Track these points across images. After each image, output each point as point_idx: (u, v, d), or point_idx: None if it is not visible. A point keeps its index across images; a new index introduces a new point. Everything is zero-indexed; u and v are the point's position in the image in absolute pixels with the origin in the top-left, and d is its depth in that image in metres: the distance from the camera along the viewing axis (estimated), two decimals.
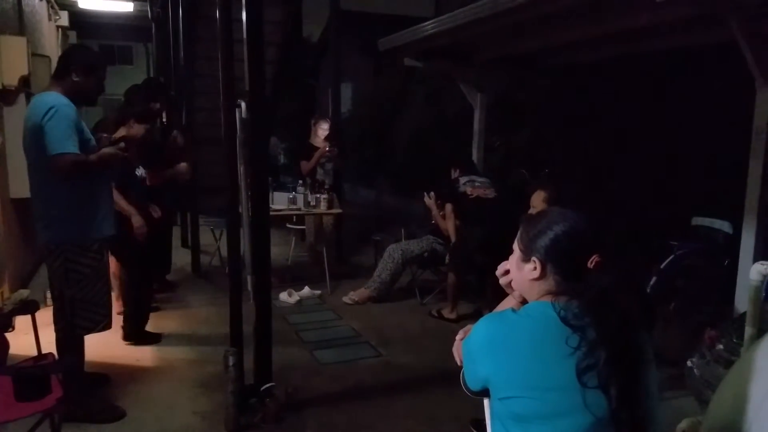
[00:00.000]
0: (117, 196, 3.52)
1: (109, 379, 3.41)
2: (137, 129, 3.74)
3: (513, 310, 1.42)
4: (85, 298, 2.89)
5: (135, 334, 3.96)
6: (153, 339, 4.05)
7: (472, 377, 1.43)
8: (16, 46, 4.73)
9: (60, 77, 2.87)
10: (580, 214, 1.43)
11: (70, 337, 2.90)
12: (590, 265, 1.34)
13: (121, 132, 3.56)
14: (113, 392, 3.29)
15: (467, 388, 1.55)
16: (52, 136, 2.67)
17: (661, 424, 1.35)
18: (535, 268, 1.39)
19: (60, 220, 2.83)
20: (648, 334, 1.37)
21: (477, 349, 1.40)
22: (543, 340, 1.31)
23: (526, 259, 1.42)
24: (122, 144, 3.08)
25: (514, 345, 1.33)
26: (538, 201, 3.60)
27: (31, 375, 2.03)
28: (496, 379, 1.35)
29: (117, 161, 3.03)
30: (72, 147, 2.71)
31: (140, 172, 3.93)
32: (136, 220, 3.76)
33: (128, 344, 3.93)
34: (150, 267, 4.16)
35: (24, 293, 2.75)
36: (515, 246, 1.48)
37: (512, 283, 1.51)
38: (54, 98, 2.75)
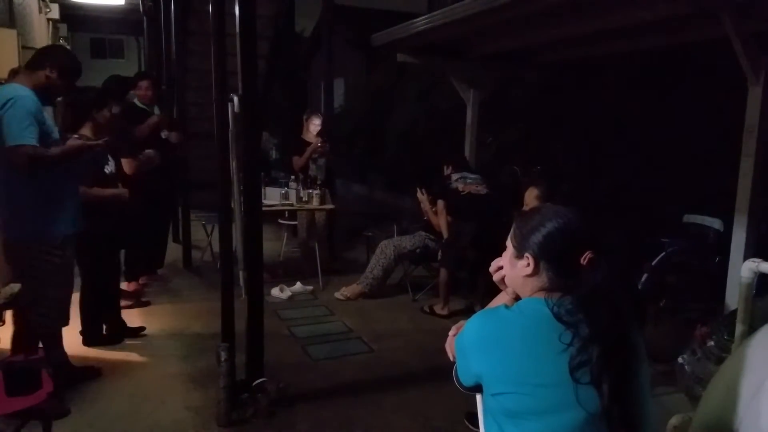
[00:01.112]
0: (86, 190, 3.35)
1: (100, 373, 3.39)
2: (102, 116, 3.61)
3: (506, 306, 1.42)
4: (44, 295, 2.87)
5: (95, 340, 3.80)
6: (113, 340, 3.87)
7: (465, 373, 1.43)
8: (7, 39, 4.70)
9: (33, 69, 2.85)
10: (574, 210, 1.44)
11: (28, 334, 2.88)
12: (583, 261, 1.34)
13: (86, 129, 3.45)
14: (105, 387, 3.27)
15: (460, 384, 1.55)
16: (9, 128, 2.64)
17: (653, 419, 1.36)
18: (528, 265, 1.40)
19: (21, 217, 2.80)
20: (639, 331, 1.38)
21: (470, 345, 1.41)
22: (536, 336, 1.32)
23: (519, 255, 1.43)
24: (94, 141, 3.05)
25: (506, 341, 1.34)
26: (531, 198, 3.62)
27: (21, 369, 2.01)
28: (488, 375, 1.35)
29: (84, 153, 2.99)
30: (29, 138, 2.67)
31: (109, 168, 3.70)
32: (115, 192, 3.56)
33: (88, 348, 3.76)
34: (111, 274, 3.93)
35: (15, 287, 2.72)
36: (508, 242, 1.48)
37: (505, 280, 1.51)
38: (15, 90, 2.72)
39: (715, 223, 4.18)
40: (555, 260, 1.38)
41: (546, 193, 3.52)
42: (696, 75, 5.18)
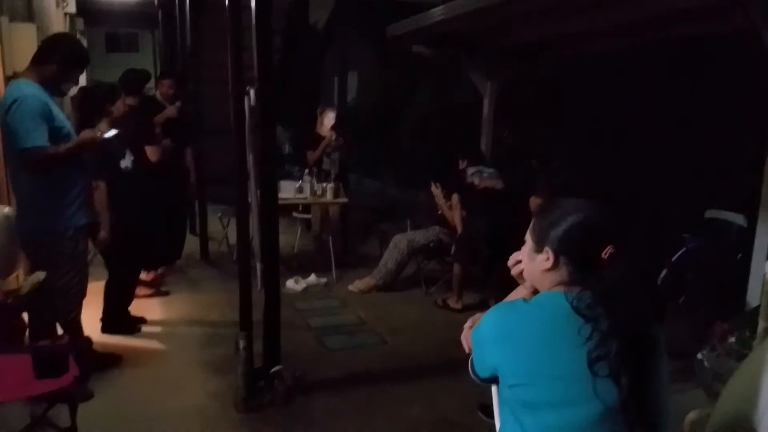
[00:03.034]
0: (102, 196, 3.38)
1: (121, 360, 3.45)
2: (117, 108, 3.64)
3: (524, 299, 1.42)
4: (57, 286, 2.88)
5: (113, 326, 3.86)
6: (131, 330, 3.94)
7: (481, 365, 1.44)
8: (26, 33, 4.72)
9: (40, 63, 2.80)
10: (595, 203, 1.42)
11: (41, 324, 2.90)
12: (604, 256, 1.33)
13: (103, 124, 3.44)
14: (126, 373, 3.34)
15: (475, 376, 1.56)
16: (18, 131, 2.63)
17: (670, 414, 1.36)
18: (547, 259, 1.39)
19: (32, 209, 2.82)
20: (659, 326, 1.38)
21: (487, 337, 1.41)
22: (554, 329, 1.32)
23: (538, 249, 1.42)
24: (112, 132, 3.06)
25: (524, 334, 1.34)
26: (534, 207, 3.59)
27: (49, 353, 2.06)
28: (505, 368, 1.36)
29: (97, 145, 2.99)
30: (38, 140, 2.65)
31: (125, 163, 3.71)
32: (103, 235, 3.39)
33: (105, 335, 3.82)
34: (134, 266, 4.01)
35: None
36: (528, 236, 1.47)
37: (524, 274, 1.51)
38: (19, 89, 2.68)
39: (739, 219, 4.11)
40: (575, 255, 1.37)
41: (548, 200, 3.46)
42: (721, 67, 5.09)
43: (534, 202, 3.60)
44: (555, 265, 1.38)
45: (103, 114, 3.45)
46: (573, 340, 1.28)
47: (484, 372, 1.44)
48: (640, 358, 1.28)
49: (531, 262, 1.45)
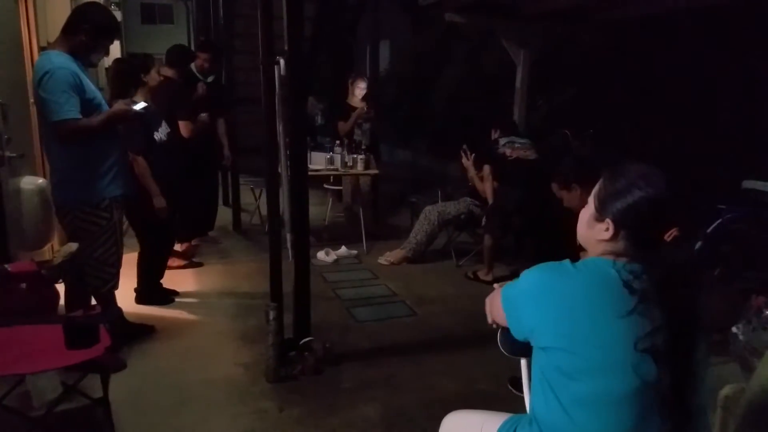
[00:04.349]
0: (143, 168, 3.47)
1: (153, 330, 3.53)
2: (152, 78, 3.68)
3: (570, 261, 1.35)
4: (93, 257, 2.94)
5: (147, 297, 3.92)
6: (164, 301, 4.00)
7: (517, 325, 1.40)
8: (61, 3, 4.79)
9: (69, 33, 2.78)
10: (664, 176, 1.33)
11: (78, 295, 2.95)
12: (668, 238, 1.28)
13: (139, 94, 3.49)
14: (158, 343, 3.42)
15: (505, 348, 1.55)
16: (49, 104, 2.65)
17: (706, 394, 1.33)
18: (607, 229, 1.33)
19: (67, 180, 2.86)
20: (704, 310, 1.32)
21: (526, 295, 1.37)
22: (598, 296, 1.27)
23: (599, 218, 1.35)
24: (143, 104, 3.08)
25: (567, 295, 1.29)
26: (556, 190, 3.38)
27: (80, 324, 2.11)
28: (543, 327, 1.32)
29: (128, 119, 2.99)
30: (70, 112, 2.67)
31: (159, 135, 3.72)
32: (158, 202, 3.55)
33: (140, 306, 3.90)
34: (167, 238, 4.05)
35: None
36: (590, 200, 1.40)
37: (578, 237, 1.45)
38: (50, 61, 2.68)
39: None
40: (637, 231, 1.31)
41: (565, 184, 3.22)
42: (762, 32, 4.85)
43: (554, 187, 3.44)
44: (614, 237, 1.32)
45: (139, 84, 3.49)
46: (616, 310, 1.24)
47: (519, 334, 1.39)
48: (688, 346, 1.24)
49: (589, 229, 1.39)
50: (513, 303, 1.41)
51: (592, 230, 1.37)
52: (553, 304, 1.30)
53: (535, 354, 1.37)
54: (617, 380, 1.24)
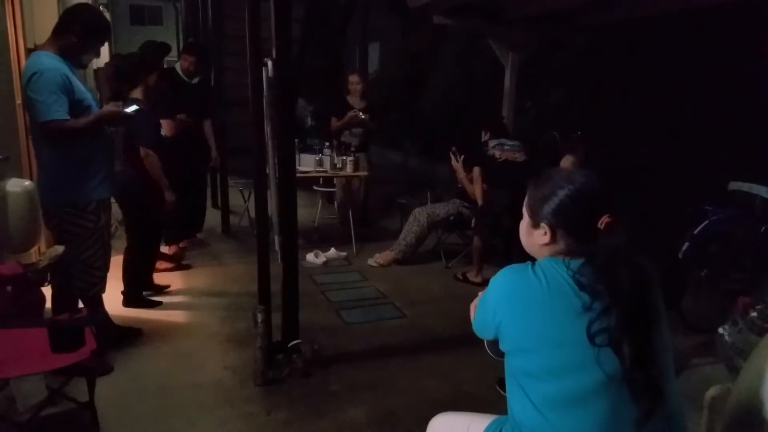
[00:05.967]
0: (155, 163, 3.50)
1: (141, 333, 3.50)
2: (152, 80, 3.69)
3: (531, 263, 1.41)
4: (80, 259, 2.91)
5: (134, 300, 3.90)
6: (150, 304, 3.97)
7: (483, 324, 1.45)
8: (48, 4, 4.76)
9: (60, 34, 2.77)
10: (589, 174, 1.42)
11: (65, 298, 2.93)
12: (600, 226, 1.33)
13: (137, 92, 3.51)
14: (146, 346, 3.39)
15: (492, 352, 1.56)
16: (37, 104, 2.63)
17: (674, 381, 1.36)
18: (545, 234, 1.40)
19: (55, 182, 2.83)
20: (659, 290, 1.36)
21: (494, 296, 1.42)
22: (555, 297, 1.32)
23: (534, 225, 1.43)
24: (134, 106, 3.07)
25: (527, 298, 1.34)
26: (567, 165, 3.53)
27: (66, 327, 2.09)
28: (507, 329, 1.37)
29: (117, 121, 2.99)
30: (57, 113, 2.65)
31: (164, 131, 3.80)
32: (169, 196, 3.69)
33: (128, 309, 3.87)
34: (157, 236, 4.08)
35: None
36: (524, 211, 1.48)
37: (524, 246, 1.52)
38: (40, 62, 2.66)
39: (763, 191, 4.01)
40: (571, 227, 1.38)
41: (583, 161, 3.43)
42: (748, 35, 4.91)
43: (567, 160, 3.51)
44: (553, 239, 1.40)
45: (136, 84, 3.47)
46: (573, 308, 1.29)
47: (486, 333, 1.46)
48: (641, 327, 1.28)
49: (529, 237, 1.47)
50: (482, 303, 1.48)
51: (533, 237, 1.44)
52: (517, 307, 1.35)
53: (506, 357, 1.42)
54: (584, 377, 1.27)
